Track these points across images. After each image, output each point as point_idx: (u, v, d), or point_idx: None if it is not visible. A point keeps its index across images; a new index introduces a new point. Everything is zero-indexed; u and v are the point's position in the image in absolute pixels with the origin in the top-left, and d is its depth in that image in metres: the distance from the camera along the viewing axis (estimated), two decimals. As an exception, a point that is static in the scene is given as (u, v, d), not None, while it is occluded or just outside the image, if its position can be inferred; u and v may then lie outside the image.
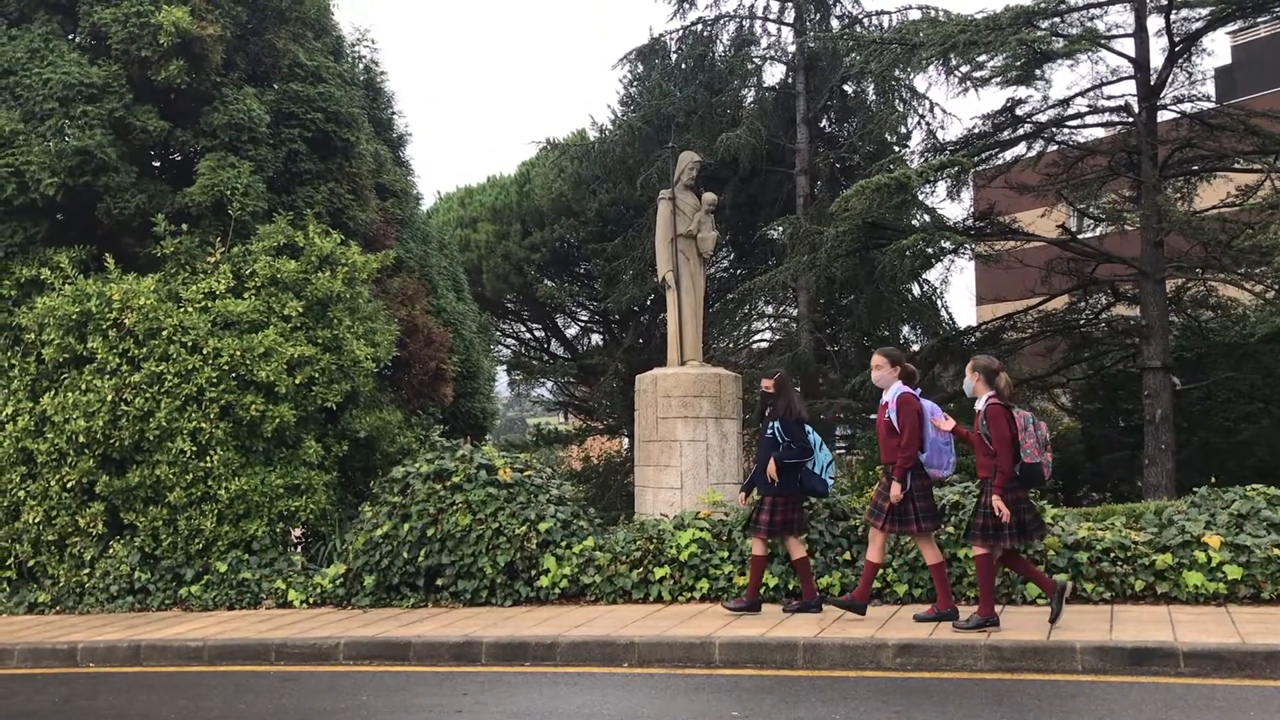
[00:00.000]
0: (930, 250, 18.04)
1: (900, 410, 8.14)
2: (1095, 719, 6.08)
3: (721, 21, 23.03)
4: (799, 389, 9.03)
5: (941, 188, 18.31)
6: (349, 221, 13.17)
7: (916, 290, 21.84)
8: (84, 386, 11.10)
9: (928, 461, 8.22)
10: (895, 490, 8.09)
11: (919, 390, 8.38)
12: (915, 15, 20.70)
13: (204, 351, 11.09)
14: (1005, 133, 16.84)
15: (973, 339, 18.33)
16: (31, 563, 11.51)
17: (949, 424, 8.13)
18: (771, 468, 8.71)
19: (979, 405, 7.89)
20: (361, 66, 16.24)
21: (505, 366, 28.52)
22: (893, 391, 8.28)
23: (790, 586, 9.42)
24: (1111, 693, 6.59)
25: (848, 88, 22.10)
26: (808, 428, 8.97)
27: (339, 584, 10.54)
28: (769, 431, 8.97)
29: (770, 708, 6.58)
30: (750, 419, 14.34)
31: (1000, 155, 17.60)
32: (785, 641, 7.80)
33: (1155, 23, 15.36)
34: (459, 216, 26.54)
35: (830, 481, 8.99)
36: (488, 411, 17.24)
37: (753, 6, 23.13)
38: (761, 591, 9.42)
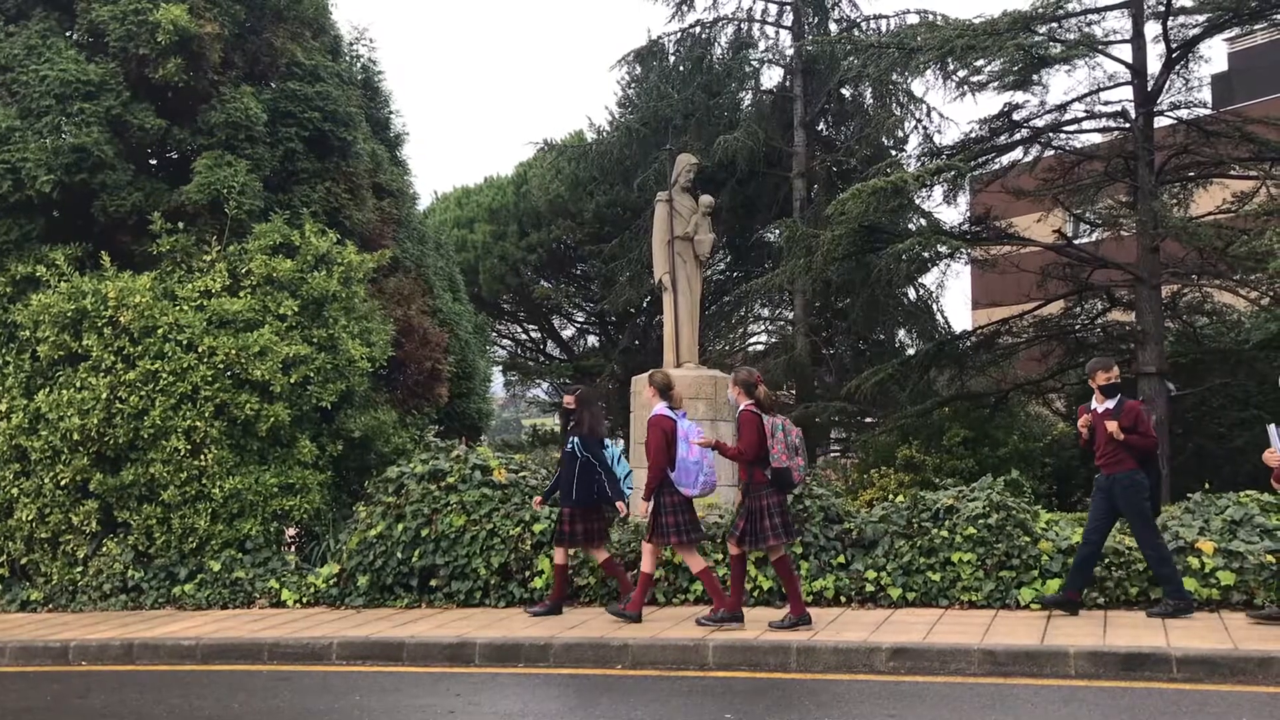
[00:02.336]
0: (926, 254, 18.04)
1: (650, 430, 8.71)
2: (1088, 724, 6.09)
3: (720, 24, 23.06)
4: (603, 406, 9.56)
5: (938, 192, 18.31)
6: (345, 221, 13.16)
7: (912, 294, 21.88)
8: (79, 384, 11.08)
9: (676, 479, 8.60)
10: (643, 506, 8.71)
11: (684, 413, 8.85)
12: (913, 19, 20.75)
13: (199, 350, 11.07)
14: (1002, 137, 16.84)
15: (968, 343, 18.33)
16: (24, 560, 11.48)
17: (701, 441, 8.62)
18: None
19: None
20: (359, 66, 16.22)
21: (501, 367, 28.53)
22: (652, 412, 8.80)
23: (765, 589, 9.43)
24: (1104, 698, 6.59)
25: (845, 91, 22.14)
26: (606, 442, 9.42)
27: (333, 584, 10.53)
28: (569, 446, 9.35)
29: (764, 711, 6.58)
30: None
31: (997, 160, 17.59)
32: (779, 645, 7.80)
33: (1153, 29, 15.37)
34: (456, 217, 26.55)
35: (628, 492, 9.34)
36: (483, 412, 17.23)
37: (751, 10, 23.18)
38: (756, 594, 9.45)
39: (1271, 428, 7.77)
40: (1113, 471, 8.33)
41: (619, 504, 9.34)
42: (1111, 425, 8.26)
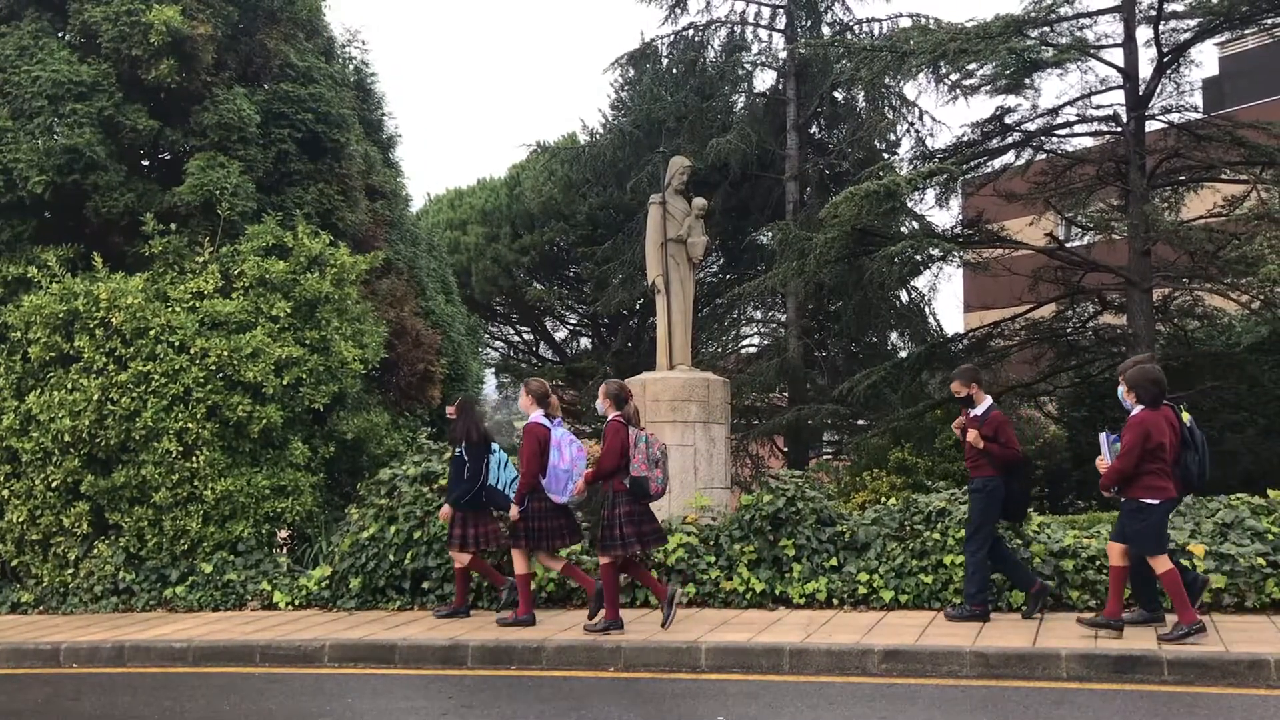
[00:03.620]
0: (919, 257, 18.05)
1: (524, 438, 8.94)
2: (1079, 726, 6.11)
3: (713, 27, 23.08)
4: (482, 412, 9.93)
5: (930, 195, 18.38)
6: (338, 222, 13.14)
7: (905, 297, 21.91)
8: (70, 385, 11.05)
9: (547, 486, 8.87)
10: (513, 511, 8.97)
11: (558, 421, 9.13)
12: (906, 23, 20.80)
13: (191, 351, 11.05)
14: (994, 141, 16.88)
15: (960, 346, 18.36)
16: (15, 562, 11.45)
17: (577, 491, 8.94)
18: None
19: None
20: (352, 68, 16.22)
21: (493, 369, 28.51)
22: (528, 419, 9.05)
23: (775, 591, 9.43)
24: (1096, 700, 6.61)
25: (838, 94, 22.16)
26: (494, 446, 9.59)
27: (325, 586, 10.52)
28: (456, 452, 9.58)
29: (757, 713, 6.59)
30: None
31: (989, 163, 17.63)
32: (771, 647, 7.81)
33: (1144, 33, 15.40)
34: (448, 218, 26.52)
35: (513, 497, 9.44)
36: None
37: (744, 12, 23.21)
38: (749, 596, 9.47)
39: (1103, 435, 8.05)
40: (974, 475, 8.68)
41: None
42: (973, 433, 8.62)
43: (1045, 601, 8.62)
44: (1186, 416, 8.08)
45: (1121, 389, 7.88)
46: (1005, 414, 8.75)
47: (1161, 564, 7.53)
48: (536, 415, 9.01)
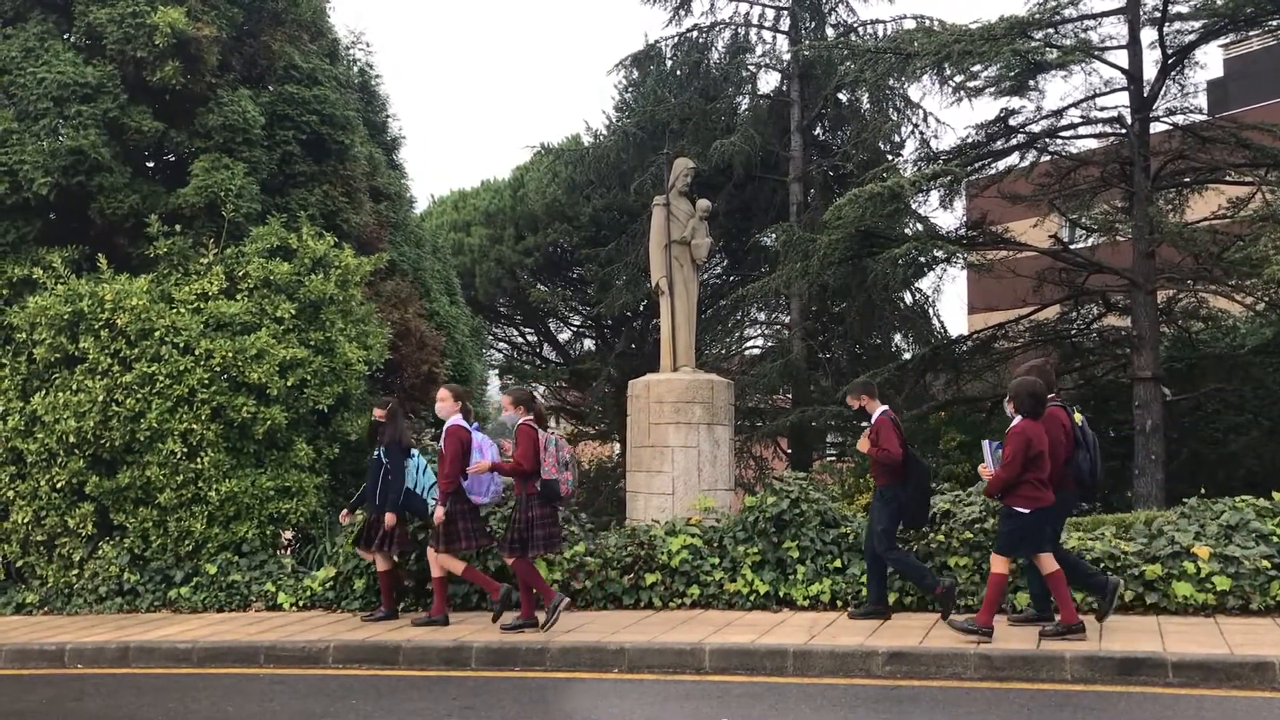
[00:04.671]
0: (922, 259, 18.08)
1: (445, 440, 9.03)
2: (1084, 728, 6.10)
3: (717, 29, 23.10)
4: (405, 419, 10.26)
5: (934, 197, 18.41)
6: (342, 224, 13.17)
7: (908, 299, 21.90)
8: (75, 387, 11.07)
9: (469, 488, 9.09)
10: (439, 513, 8.99)
11: (476, 425, 9.31)
12: (910, 25, 20.81)
13: (196, 353, 11.07)
14: (998, 142, 16.89)
15: (964, 348, 18.36)
16: (20, 563, 11.47)
17: (474, 469, 8.96)
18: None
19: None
20: (356, 69, 16.24)
21: (497, 371, 28.53)
22: (448, 422, 9.12)
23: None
24: (1100, 702, 6.60)
25: (842, 96, 22.17)
26: (414, 452, 9.73)
27: (329, 587, 10.53)
28: (375, 454, 9.69)
29: (760, 715, 6.59)
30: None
31: (993, 165, 17.64)
32: (775, 649, 7.81)
33: (1149, 35, 15.40)
34: (452, 220, 26.53)
35: (432, 502, 9.52)
36: (479, 416, 17.23)
37: (748, 14, 23.22)
38: (753, 598, 9.45)
39: (985, 443, 8.20)
40: (877, 484, 8.88)
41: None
42: (862, 440, 8.85)
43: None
44: (1079, 417, 8.22)
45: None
46: (895, 418, 8.88)
47: (999, 564, 7.74)
48: (457, 418, 9.12)
